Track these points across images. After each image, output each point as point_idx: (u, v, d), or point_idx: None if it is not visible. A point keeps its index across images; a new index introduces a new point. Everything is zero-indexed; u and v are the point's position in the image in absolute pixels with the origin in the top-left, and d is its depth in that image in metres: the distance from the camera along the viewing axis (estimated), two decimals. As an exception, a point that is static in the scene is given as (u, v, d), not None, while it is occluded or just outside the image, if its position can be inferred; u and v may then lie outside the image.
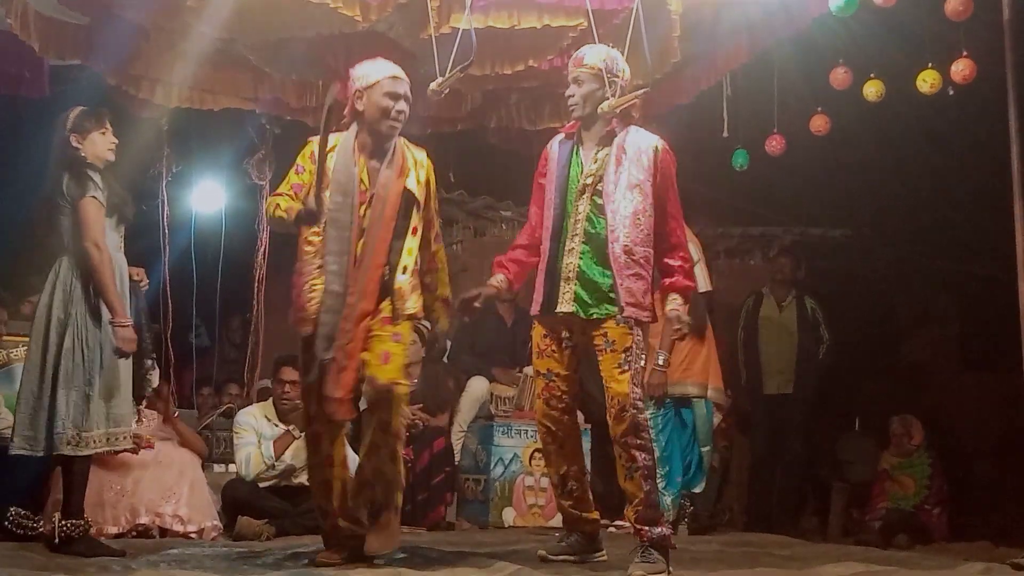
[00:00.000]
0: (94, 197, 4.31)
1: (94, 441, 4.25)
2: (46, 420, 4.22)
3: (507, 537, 5.56)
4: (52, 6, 5.34)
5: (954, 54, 5.52)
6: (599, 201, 4.03)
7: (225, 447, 6.34)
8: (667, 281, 4.11)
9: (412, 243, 4.01)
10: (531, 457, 6.40)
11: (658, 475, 4.83)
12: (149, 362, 4.54)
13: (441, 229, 4.38)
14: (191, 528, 5.15)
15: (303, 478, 5.55)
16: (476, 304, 4.21)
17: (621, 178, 4.01)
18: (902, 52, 5.86)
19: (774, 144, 6.49)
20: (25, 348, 4.84)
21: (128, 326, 4.31)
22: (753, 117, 6.47)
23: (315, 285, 3.89)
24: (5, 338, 5.48)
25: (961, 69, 5.47)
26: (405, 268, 3.98)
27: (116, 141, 4.51)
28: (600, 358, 4.03)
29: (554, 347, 4.14)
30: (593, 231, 4.04)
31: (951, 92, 5.64)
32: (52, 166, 4.43)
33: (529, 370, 6.48)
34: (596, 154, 4.09)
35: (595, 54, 4.13)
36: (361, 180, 3.95)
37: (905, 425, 6.86)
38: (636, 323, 4.00)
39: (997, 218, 5.02)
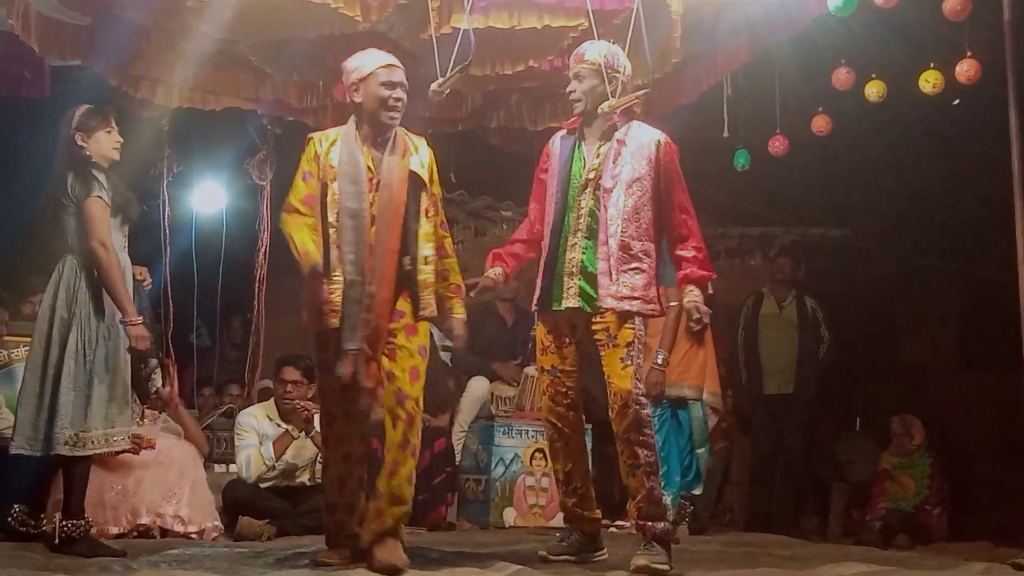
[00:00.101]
0: (99, 197, 4.29)
1: (92, 442, 4.24)
2: (46, 420, 4.21)
3: (508, 537, 5.56)
4: (53, 6, 5.34)
5: (955, 54, 5.52)
6: (601, 196, 4.03)
7: (226, 447, 6.35)
8: (681, 274, 4.07)
9: (428, 227, 3.98)
10: (532, 457, 6.40)
11: (657, 474, 4.83)
12: (154, 361, 4.53)
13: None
14: (192, 528, 5.15)
15: (304, 478, 5.57)
16: (471, 294, 4.21)
17: (622, 172, 4.01)
18: (903, 52, 5.86)
19: (777, 145, 6.49)
20: (26, 348, 4.85)
21: (140, 324, 4.31)
22: (754, 117, 6.47)
23: (336, 276, 3.84)
24: (6, 338, 5.47)
25: (966, 70, 5.46)
26: (427, 259, 3.96)
27: (121, 140, 4.50)
28: (603, 353, 4.03)
29: (558, 343, 4.15)
30: (595, 226, 4.03)
31: (956, 103, 5.63)
32: (56, 165, 4.42)
33: (530, 370, 6.49)
34: (598, 149, 4.09)
35: (595, 50, 4.14)
36: (368, 168, 3.93)
37: (905, 425, 6.86)
38: (638, 316, 3.99)
39: (998, 218, 5.03)
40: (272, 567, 3.99)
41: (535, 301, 4.19)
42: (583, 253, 4.04)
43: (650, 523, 3.96)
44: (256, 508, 5.32)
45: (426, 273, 3.95)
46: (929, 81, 5.65)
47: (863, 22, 5.50)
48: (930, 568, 4.33)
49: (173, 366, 6.05)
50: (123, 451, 4.53)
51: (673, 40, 5.26)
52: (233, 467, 5.78)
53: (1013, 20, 4.84)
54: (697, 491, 6.18)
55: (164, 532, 5.12)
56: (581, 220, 4.06)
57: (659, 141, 4.06)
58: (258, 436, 5.54)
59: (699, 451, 6.17)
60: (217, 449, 6.43)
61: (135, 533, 5.05)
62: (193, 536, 5.12)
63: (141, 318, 4.36)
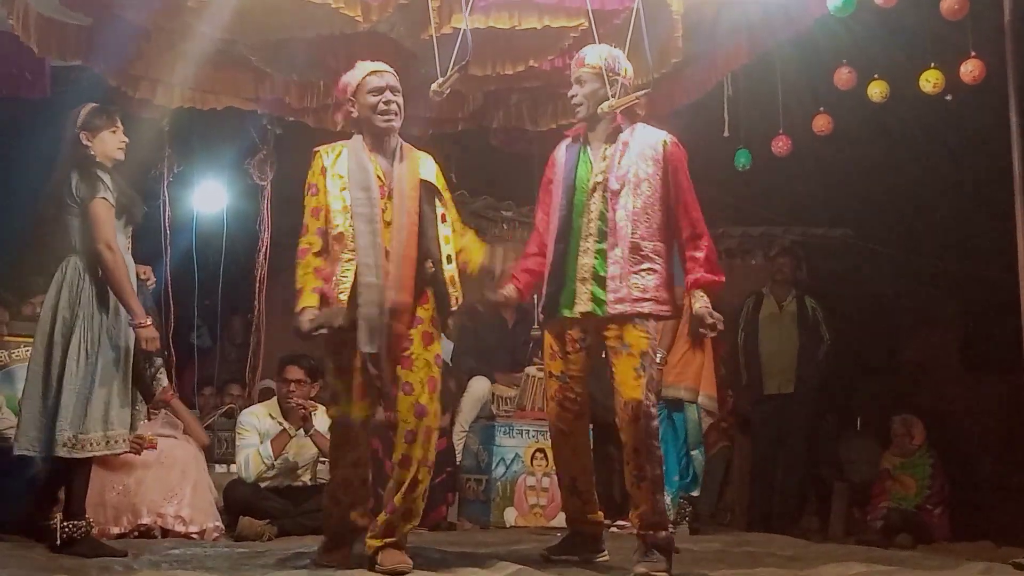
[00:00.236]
0: (104, 198, 4.28)
1: (91, 444, 4.22)
2: (49, 421, 4.21)
3: (508, 537, 5.56)
4: (53, 7, 5.34)
5: (956, 54, 5.52)
6: (609, 198, 4.02)
7: (226, 447, 6.35)
8: (691, 278, 3.98)
9: (446, 230, 3.99)
10: (533, 457, 6.40)
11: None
12: (159, 360, 4.51)
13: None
14: (193, 529, 5.15)
15: (305, 478, 5.58)
16: (479, 308, 4.22)
17: (628, 173, 3.99)
18: (904, 53, 5.86)
19: (780, 145, 6.49)
20: (27, 349, 4.85)
21: (149, 326, 4.31)
22: (755, 117, 6.47)
23: (344, 277, 3.82)
24: (7, 338, 5.47)
25: (970, 70, 5.46)
26: (450, 258, 3.97)
27: (127, 140, 4.48)
28: (614, 360, 3.98)
29: (568, 349, 4.11)
30: (606, 229, 4.01)
31: (948, 97, 5.63)
32: (60, 164, 4.40)
33: (531, 370, 6.50)
34: (604, 152, 4.08)
35: (596, 54, 4.14)
36: (378, 177, 3.92)
37: (906, 425, 6.86)
38: (650, 319, 3.97)
39: (998, 218, 5.02)
40: (273, 567, 3.99)
41: (541, 308, 4.16)
42: (595, 258, 4.01)
43: (651, 532, 3.95)
44: (257, 508, 5.32)
45: (450, 271, 3.96)
46: (930, 81, 5.66)
47: (863, 22, 5.50)
48: (931, 568, 4.34)
49: (171, 359, 6.06)
50: (122, 453, 4.53)
51: (674, 40, 5.27)
52: (234, 467, 5.79)
53: (1013, 20, 4.85)
54: (695, 492, 6.19)
55: (165, 532, 5.12)
56: (591, 224, 4.03)
57: (665, 141, 4.05)
58: (260, 435, 5.55)
59: (693, 452, 6.18)
60: (218, 449, 6.43)
61: (136, 533, 5.06)
62: (194, 536, 5.13)
63: (150, 319, 4.35)
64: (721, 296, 4.01)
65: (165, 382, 5.03)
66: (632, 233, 3.95)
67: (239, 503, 5.40)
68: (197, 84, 6.14)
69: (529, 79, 5.91)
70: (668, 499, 5.75)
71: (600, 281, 4.00)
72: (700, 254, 3.99)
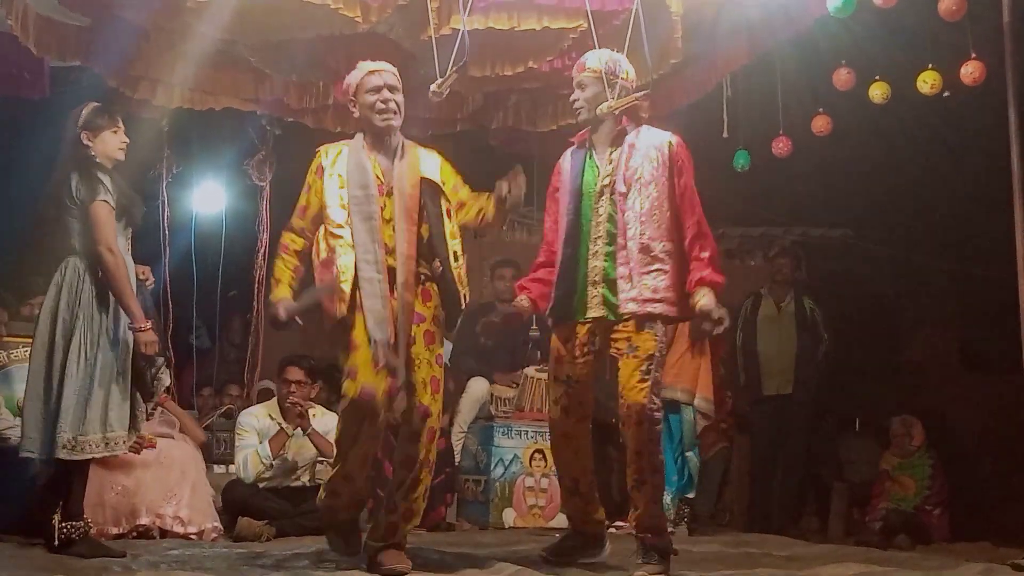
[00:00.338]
0: (104, 201, 4.26)
1: (91, 445, 4.21)
2: (50, 423, 4.20)
3: (507, 538, 5.56)
4: (52, 7, 5.34)
5: (955, 55, 5.52)
6: (617, 200, 4.01)
7: (225, 448, 6.35)
8: (696, 276, 3.96)
9: (452, 226, 3.99)
10: (531, 458, 6.40)
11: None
12: (160, 360, 4.50)
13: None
14: (191, 529, 5.15)
15: (304, 479, 5.58)
16: (497, 321, 4.25)
17: (635, 175, 3.99)
18: (904, 53, 5.86)
19: (780, 146, 6.49)
20: (26, 349, 4.84)
21: (149, 330, 4.29)
22: (755, 118, 6.47)
23: (344, 273, 3.82)
24: (6, 339, 5.47)
25: (971, 71, 5.46)
26: (456, 255, 3.97)
27: (127, 141, 4.47)
28: (620, 362, 3.97)
29: (576, 354, 4.08)
30: (615, 231, 4.01)
31: (946, 94, 5.63)
32: (60, 164, 4.38)
33: (530, 371, 6.49)
34: (610, 155, 4.08)
35: (596, 58, 4.14)
36: (376, 176, 3.93)
37: (906, 426, 6.86)
38: (660, 321, 3.95)
39: (997, 218, 5.02)
40: (271, 568, 3.99)
41: (549, 312, 4.15)
42: (605, 260, 4.01)
43: (650, 534, 3.95)
44: (255, 509, 5.32)
45: (458, 268, 3.96)
46: (927, 81, 5.66)
47: (863, 23, 5.50)
48: (930, 568, 4.34)
49: (170, 359, 6.06)
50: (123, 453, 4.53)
51: (673, 41, 5.27)
52: (232, 468, 5.78)
53: (1013, 21, 4.85)
54: (690, 494, 6.19)
55: (164, 533, 5.12)
56: (600, 227, 4.03)
57: (670, 142, 4.05)
58: (259, 436, 5.55)
59: (688, 454, 6.18)
60: (216, 450, 6.43)
61: (135, 534, 5.06)
62: (193, 537, 5.12)
63: (150, 323, 4.34)
64: (720, 297, 4.00)
65: (167, 382, 5.02)
66: (641, 234, 3.95)
67: (237, 503, 5.39)
68: (196, 84, 6.15)
69: (528, 80, 5.91)
70: (668, 499, 5.78)
71: (611, 284, 3.99)
72: (706, 254, 3.98)
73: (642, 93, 4.18)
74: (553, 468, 6.20)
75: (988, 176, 5.70)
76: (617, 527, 5.60)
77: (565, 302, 4.07)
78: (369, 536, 3.94)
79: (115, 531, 5.01)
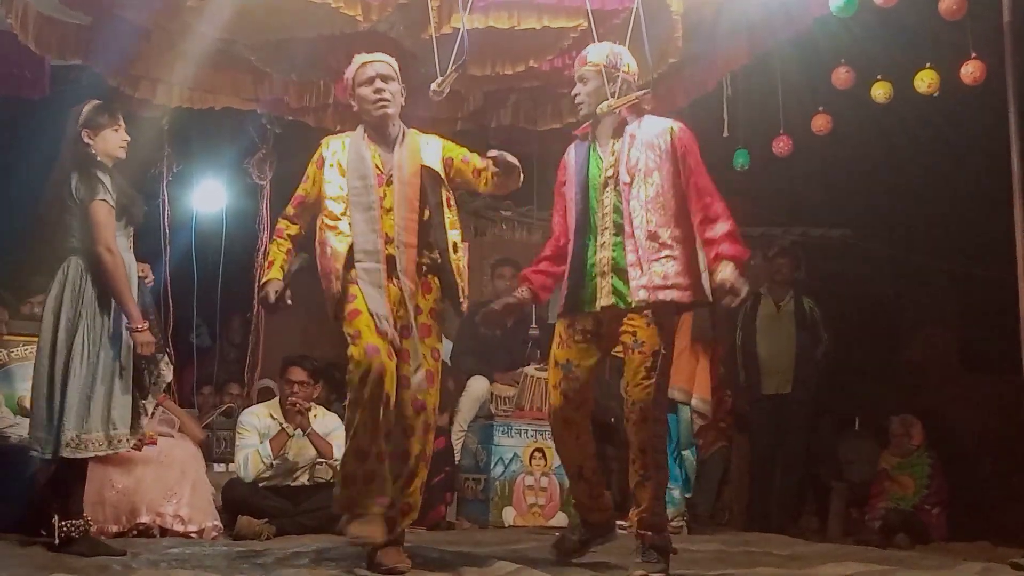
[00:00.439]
0: (104, 200, 4.25)
1: (93, 444, 4.21)
2: (55, 421, 4.20)
3: (507, 536, 5.56)
4: (53, 6, 5.35)
5: (955, 54, 5.52)
6: (622, 189, 4.02)
7: (225, 447, 6.36)
8: (713, 252, 3.94)
9: (451, 215, 4.01)
10: (531, 457, 6.40)
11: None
12: (162, 356, 4.50)
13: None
14: (191, 528, 5.15)
15: (303, 478, 5.58)
16: (497, 310, 4.23)
17: (638, 163, 3.99)
18: (904, 53, 5.86)
19: (781, 145, 6.49)
20: (26, 348, 4.84)
21: (146, 331, 4.28)
22: (755, 117, 6.47)
23: (338, 252, 3.85)
24: (6, 338, 5.47)
25: (971, 71, 5.45)
26: (456, 246, 3.99)
27: (128, 139, 4.46)
28: (626, 358, 3.97)
29: (577, 338, 4.08)
30: (621, 221, 4.00)
31: (935, 94, 5.63)
32: (61, 162, 4.37)
33: (529, 369, 6.49)
34: (613, 146, 4.07)
35: (598, 52, 4.15)
36: (376, 166, 3.94)
37: (905, 425, 6.86)
38: (674, 306, 3.94)
39: (997, 218, 5.02)
40: (271, 567, 3.99)
41: (561, 303, 4.14)
42: (613, 250, 4.00)
43: (650, 532, 3.95)
44: (255, 507, 5.32)
45: (456, 260, 3.98)
46: (925, 81, 5.66)
47: (863, 22, 5.50)
48: (929, 568, 4.34)
49: (171, 358, 6.06)
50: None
51: (673, 40, 5.27)
52: (232, 466, 5.79)
53: (1013, 21, 4.85)
54: (687, 494, 6.20)
55: (164, 531, 5.11)
56: (607, 218, 4.03)
57: (672, 128, 4.05)
58: (259, 435, 5.55)
59: (685, 453, 6.19)
60: (217, 448, 6.43)
61: (135, 532, 5.05)
62: (193, 535, 5.12)
63: (147, 324, 4.33)
64: (743, 270, 3.99)
65: (169, 377, 5.04)
66: (648, 222, 3.94)
67: (237, 502, 5.40)
68: (197, 83, 6.15)
69: (528, 79, 5.91)
70: (676, 495, 5.79)
71: (621, 273, 3.98)
72: (724, 229, 3.97)
73: (642, 93, 4.18)
74: (553, 467, 6.26)
75: (988, 176, 5.70)
76: (618, 526, 5.61)
77: (576, 293, 4.08)
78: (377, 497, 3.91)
79: (115, 529, 5.00)
